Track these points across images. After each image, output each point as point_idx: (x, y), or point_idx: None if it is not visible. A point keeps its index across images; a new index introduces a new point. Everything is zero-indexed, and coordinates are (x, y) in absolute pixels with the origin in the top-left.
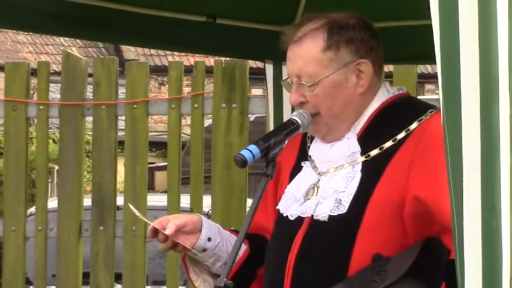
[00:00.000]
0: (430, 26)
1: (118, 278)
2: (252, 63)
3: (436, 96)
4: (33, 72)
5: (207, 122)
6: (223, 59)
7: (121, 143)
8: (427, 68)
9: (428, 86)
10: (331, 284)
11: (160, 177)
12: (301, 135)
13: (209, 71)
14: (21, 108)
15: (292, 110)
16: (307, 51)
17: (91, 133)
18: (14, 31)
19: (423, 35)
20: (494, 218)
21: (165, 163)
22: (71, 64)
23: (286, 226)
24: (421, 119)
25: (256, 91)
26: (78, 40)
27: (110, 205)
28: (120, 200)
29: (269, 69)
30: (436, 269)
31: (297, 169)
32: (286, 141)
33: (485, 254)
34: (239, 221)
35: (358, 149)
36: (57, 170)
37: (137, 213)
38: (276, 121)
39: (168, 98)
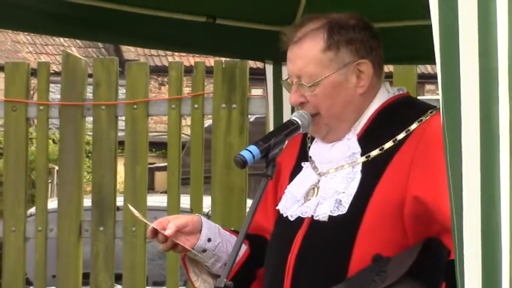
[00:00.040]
0: (430, 27)
1: (118, 278)
2: (252, 64)
3: (436, 97)
4: (33, 73)
5: (207, 122)
6: (223, 59)
7: (121, 143)
8: (427, 69)
9: (428, 87)
10: (331, 284)
11: (160, 177)
12: (301, 136)
13: (209, 71)
14: (21, 108)
15: (292, 110)
16: (307, 52)
17: (91, 133)
18: (14, 31)
19: (423, 36)
20: (494, 217)
21: (165, 163)
22: (70, 64)
23: (286, 226)
24: (421, 120)
25: (256, 91)
26: (78, 40)
27: (110, 205)
28: (120, 201)
29: (269, 69)
30: (436, 269)
31: (297, 169)
32: (286, 142)
33: (485, 253)
34: (239, 221)
35: (358, 149)
36: (57, 171)
37: (137, 213)
38: (276, 121)
39: (168, 98)
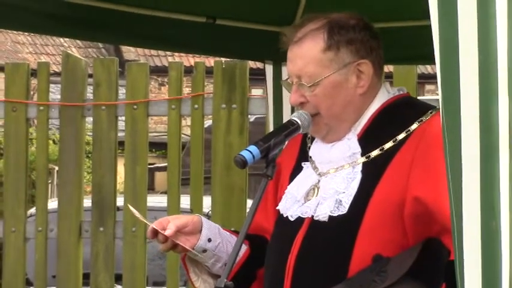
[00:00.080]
0: (430, 27)
1: (118, 278)
2: (252, 64)
3: (436, 97)
4: (33, 73)
5: (207, 122)
6: (223, 59)
7: (121, 143)
8: (427, 69)
9: (428, 87)
10: (331, 284)
11: (160, 177)
12: (301, 136)
13: (209, 71)
14: (21, 109)
15: (292, 110)
16: (308, 52)
17: (91, 134)
18: (14, 32)
19: (423, 36)
20: (494, 218)
21: (165, 164)
22: (71, 65)
23: (286, 227)
24: (422, 120)
25: (256, 92)
26: (78, 41)
27: (110, 206)
28: (120, 201)
29: (269, 69)
30: (436, 269)
31: (297, 170)
32: (286, 142)
33: (485, 254)
34: (239, 221)
35: (358, 149)
36: (57, 171)
37: (137, 214)
38: (276, 122)
39: (168, 98)
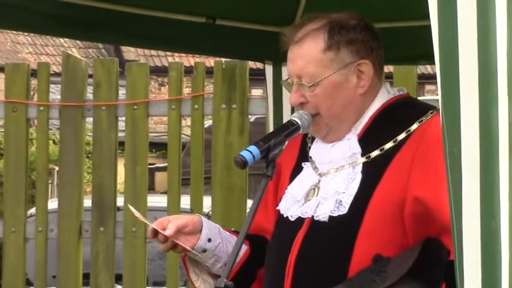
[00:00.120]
0: (430, 27)
1: (118, 279)
2: (252, 64)
3: (436, 97)
4: (33, 73)
5: (207, 122)
6: (223, 59)
7: (121, 143)
8: (427, 69)
9: (428, 87)
10: (331, 284)
11: (160, 178)
12: (301, 136)
13: (209, 71)
14: (21, 109)
15: (292, 110)
16: (308, 52)
17: (91, 134)
18: (14, 32)
19: (423, 36)
20: (493, 219)
21: (165, 164)
22: (71, 65)
23: (286, 227)
24: (422, 120)
25: (256, 92)
26: (78, 41)
27: (110, 206)
28: (120, 201)
29: (269, 70)
30: (436, 269)
31: (297, 170)
32: (287, 142)
33: (484, 255)
34: (239, 221)
35: (358, 149)
36: (58, 171)
37: (137, 214)
38: (276, 122)
39: (168, 98)
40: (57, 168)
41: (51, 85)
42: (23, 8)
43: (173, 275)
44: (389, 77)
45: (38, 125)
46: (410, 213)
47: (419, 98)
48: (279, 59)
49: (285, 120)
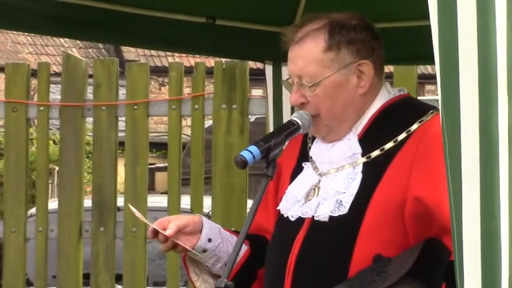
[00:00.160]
0: (430, 27)
1: (118, 279)
2: (252, 64)
3: (436, 97)
4: (34, 73)
5: (208, 122)
6: (223, 60)
7: (121, 143)
8: (427, 69)
9: (428, 87)
10: (331, 284)
11: (160, 178)
12: (301, 136)
13: (209, 71)
14: (21, 109)
15: (292, 110)
16: (308, 52)
17: (91, 134)
18: (14, 32)
19: (423, 36)
20: (493, 219)
21: (166, 164)
22: (71, 65)
23: (286, 227)
24: (422, 120)
25: (257, 92)
26: (78, 41)
27: (110, 206)
28: (120, 201)
29: (269, 70)
30: (436, 269)
31: (297, 170)
32: (287, 142)
33: (484, 255)
34: (239, 221)
35: (359, 149)
36: (58, 171)
37: (138, 214)
38: (276, 122)
39: (169, 98)
40: (57, 168)
41: (52, 85)
42: (23, 8)
43: (173, 275)
44: (389, 77)
45: (38, 125)
46: (411, 213)
47: (419, 98)
48: (279, 59)
49: (285, 120)
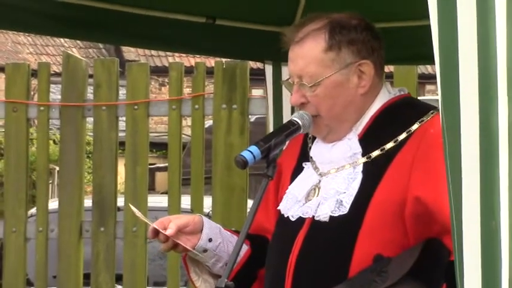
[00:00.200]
0: (430, 27)
1: (119, 279)
2: (252, 64)
3: (436, 97)
4: (34, 73)
5: (208, 122)
6: (223, 59)
7: (122, 144)
8: (428, 69)
9: (428, 87)
10: (332, 284)
11: (160, 178)
12: (302, 136)
13: (210, 71)
14: (21, 109)
15: (292, 110)
16: (309, 52)
17: (91, 134)
18: (15, 32)
19: (423, 36)
20: (493, 219)
21: (166, 164)
22: (71, 65)
23: (287, 227)
24: (423, 120)
25: (257, 92)
26: (78, 41)
27: (111, 206)
28: (120, 201)
29: (268, 70)
30: (436, 269)
31: (298, 170)
32: (287, 142)
33: (485, 255)
34: (240, 221)
35: (359, 149)
36: (58, 171)
37: (138, 213)
38: (276, 122)
39: (169, 99)
40: (57, 168)
41: (52, 85)
42: (23, 8)
43: (174, 275)
44: (389, 77)
45: (38, 125)
46: (411, 213)
47: (419, 98)
48: (279, 59)
49: (285, 120)
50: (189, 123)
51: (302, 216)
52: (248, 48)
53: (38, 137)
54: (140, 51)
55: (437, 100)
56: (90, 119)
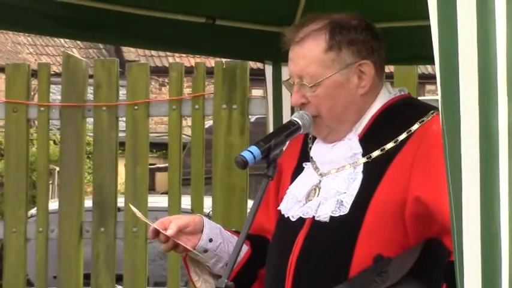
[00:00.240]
0: (430, 27)
1: (119, 279)
2: (252, 64)
3: (436, 97)
4: (34, 74)
5: (208, 123)
6: (223, 60)
7: (122, 144)
8: (428, 69)
9: (429, 87)
10: (332, 284)
11: (161, 178)
12: (302, 136)
13: (210, 72)
14: (21, 109)
15: (292, 111)
16: (309, 52)
17: (92, 134)
18: (15, 32)
19: (423, 36)
20: (493, 220)
21: (166, 164)
22: (71, 65)
23: (287, 227)
24: (423, 120)
25: (257, 92)
26: (78, 41)
27: (111, 206)
28: (120, 201)
29: (268, 70)
30: (436, 269)
31: (298, 170)
32: (287, 143)
33: (485, 256)
34: (240, 222)
35: (359, 150)
36: (58, 172)
37: (138, 214)
38: (276, 122)
39: (169, 99)
40: (57, 169)
41: (52, 85)
42: (23, 8)
43: (174, 275)
44: (389, 77)
45: (38, 125)
46: (411, 214)
47: (419, 98)
48: (278, 59)
49: (285, 121)
50: (189, 124)
51: (302, 216)
52: (248, 48)
53: (38, 138)
54: (140, 51)
55: (437, 100)
56: (90, 120)
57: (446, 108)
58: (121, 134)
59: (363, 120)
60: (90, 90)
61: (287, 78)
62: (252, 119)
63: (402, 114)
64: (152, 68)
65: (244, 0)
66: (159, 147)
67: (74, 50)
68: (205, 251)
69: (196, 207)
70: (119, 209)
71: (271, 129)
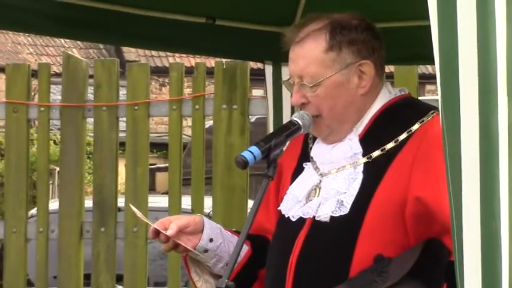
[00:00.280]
0: (430, 27)
1: (119, 279)
2: (252, 64)
3: (436, 97)
4: (34, 74)
5: (208, 123)
6: (224, 60)
7: (122, 144)
8: (428, 69)
9: (429, 87)
10: (332, 284)
11: (161, 178)
12: (302, 136)
13: (210, 72)
14: (22, 109)
15: (292, 111)
16: (309, 52)
17: (92, 134)
18: (15, 32)
19: (423, 36)
20: (493, 220)
21: (166, 164)
22: (71, 65)
23: (287, 227)
24: (423, 120)
25: (257, 92)
26: (78, 41)
27: (111, 206)
28: (121, 201)
29: (268, 70)
30: (437, 269)
31: (298, 170)
32: (288, 143)
33: (485, 256)
34: (240, 222)
35: (359, 150)
36: (58, 172)
37: (139, 214)
38: (276, 122)
39: (169, 99)
40: (58, 169)
41: (52, 85)
42: (23, 8)
43: (174, 275)
44: (390, 77)
45: (38, 125)
46: (412, 213)
47: (419, 98)
48: (278, 59)
49: (285, 121)
50: (190, 124)
51: (303, 216)
52: (248, 48)
53: (38, 138)
54: (140, 51)
55: (438, 100)
56: (90, 120)
57: (446, 108)
58: (121, 134)
59: (363, 120)
60: (90, 90)
61: (287, 78)
62: (252, 119)
63: (402, 114)
64: (152, 68)
65: (244, 0)
66: (160, 147)
67: (74, 50)
68: (206, 251)
69: (197, 207)
70: (119, 209)
71: (271, 129)
